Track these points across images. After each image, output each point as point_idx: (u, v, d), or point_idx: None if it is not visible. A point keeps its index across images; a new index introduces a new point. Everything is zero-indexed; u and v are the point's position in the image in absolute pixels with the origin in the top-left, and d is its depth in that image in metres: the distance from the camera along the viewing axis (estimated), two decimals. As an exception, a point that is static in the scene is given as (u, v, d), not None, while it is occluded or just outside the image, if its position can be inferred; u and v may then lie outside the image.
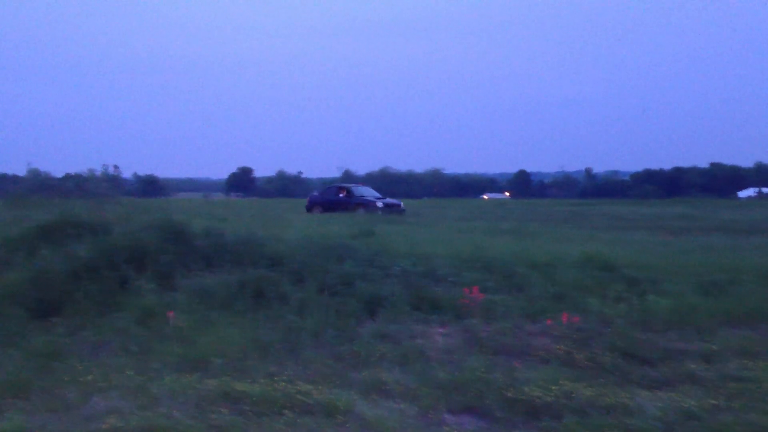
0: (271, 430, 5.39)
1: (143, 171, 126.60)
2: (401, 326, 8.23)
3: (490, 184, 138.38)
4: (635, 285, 10.32)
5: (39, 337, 7.49)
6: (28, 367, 6.73)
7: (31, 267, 9.06)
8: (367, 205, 29.77)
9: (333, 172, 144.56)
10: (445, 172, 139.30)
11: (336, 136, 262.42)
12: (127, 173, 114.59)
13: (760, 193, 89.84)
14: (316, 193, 35.62)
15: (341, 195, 31.81)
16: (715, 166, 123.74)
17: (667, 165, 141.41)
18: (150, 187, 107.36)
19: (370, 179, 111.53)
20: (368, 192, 33.47)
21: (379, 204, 30.37)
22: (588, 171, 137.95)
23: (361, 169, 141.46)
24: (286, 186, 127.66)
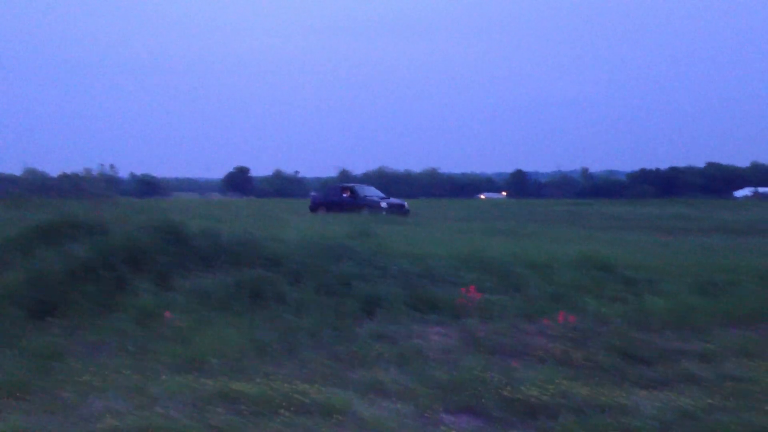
0: (268, 430, 5.40)
1: (140, 171, 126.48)
2: (399, 326, 8.24)
3: (486, 183, 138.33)
4: (632, 285, 10.34)
5: (36, 338, 7.48)
6: (26, 367, 6.72)
7: (29, 267, 9.05)
8: (371, 205, 29.66)
9: (330, 172, 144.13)
10: (442, 171, 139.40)
11: (333, 135, 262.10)
12: (123, 173, 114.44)
13: (756, 192, 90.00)
14: (319, 193, 35.45)
15: (345, 195, 31.63)
16: (712, 166, 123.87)
17: (663, 165, 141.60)
18: (146, 186, 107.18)
19: (367, 179, 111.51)
20: (372, 192, 33.31)
21: (384, 204, 30.24)
22: (584, 171, 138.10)
23: (358, 168, 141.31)
24: (282, 186, 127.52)
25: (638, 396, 6.34)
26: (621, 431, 5.53)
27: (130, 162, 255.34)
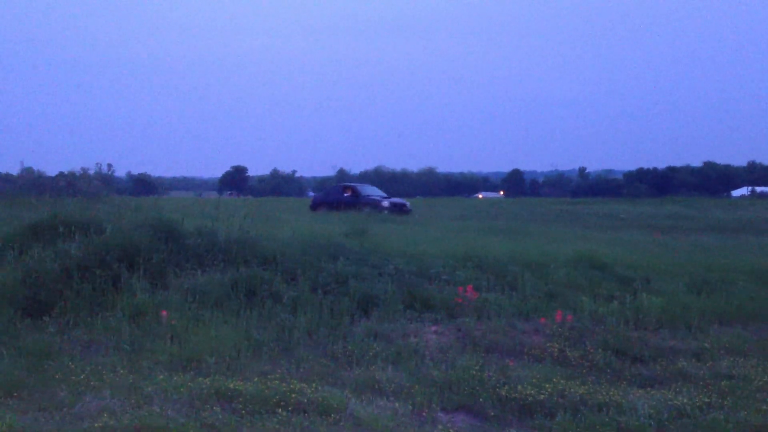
0: (264, 428, 5.39)
1: (137, 170, 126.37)
2: (394, 325, 8.24)
3: (483, 183, 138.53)
4: (627, 284, 10.37)
5: (30, 336, 7.45)
6: (20, 366, 6.70)
7: (23, 266, 9.00)
8: (373, 204, 29.58)
9: (327, 171, 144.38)
10: (439, 171, 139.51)
11: (330, 134, 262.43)
12: (120, 172, 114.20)
13: (753, 192, 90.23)
14: (321, 193, 35.35)
15: (347, 194, 31.49)
16: (709, 166, 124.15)
17: (660, 164, 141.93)
18: (142, 185, 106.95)
19: (364, 178, 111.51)
20: (374, 191, 33.22)
21: (386, 203, 30.14)
22: (582, 170, 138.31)
23: (355, 168, 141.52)
24: (279, 185, 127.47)
25: (634, 394, 6.35)
26: (617, 430, 5.54)
27: (128, 161, 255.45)
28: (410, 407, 5.97)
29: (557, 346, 7.70)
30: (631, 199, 60.27)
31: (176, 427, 5.27)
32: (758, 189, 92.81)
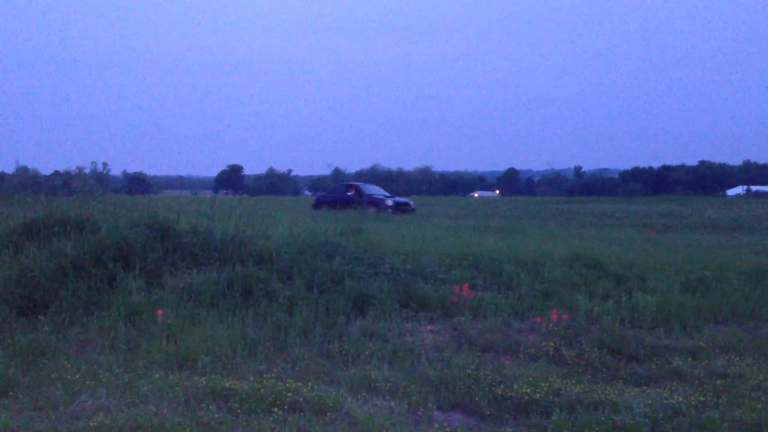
0: (260, 427, 5.38)
1: (132, 169, 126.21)
2: (390, 324, 8.24)
3: (479, 182, 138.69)
4: (622, 282, 10.39)
5: (25, 335, 7.42)
6: (14, 364, 6.68)
7: (18, 265, 8.98)
8: (377, 203, 29.50)
9: (323, 170, 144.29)
10: (435, 170, 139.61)
11: (326, 133, 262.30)
12: (116, 171, 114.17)
13: (748, 191, 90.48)
14: (324, 192, 35.18)
15: (350, 193, 31.36)
16: (704, 165, 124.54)
17: (656, 163, 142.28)
18: (138, 184, 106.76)
19: (359, 177, 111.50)
20: (377, 190, 33.13)
21: (389, 202, 30.07)
22: (577, 169, 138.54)
23: (351, 167, 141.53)
24: (275, 184, 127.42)
25: (630, 393, 6.36)
26: (613, 428, 5.55)
27: (124, 160, 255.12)
28: (406, 406, 5.97)
29: (553, 344, 7.71)
30: (627, 198, 60.47)
31: (172, 426, 5.26)
32: (753, 188, 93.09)
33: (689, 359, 7.51)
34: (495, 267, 10.64)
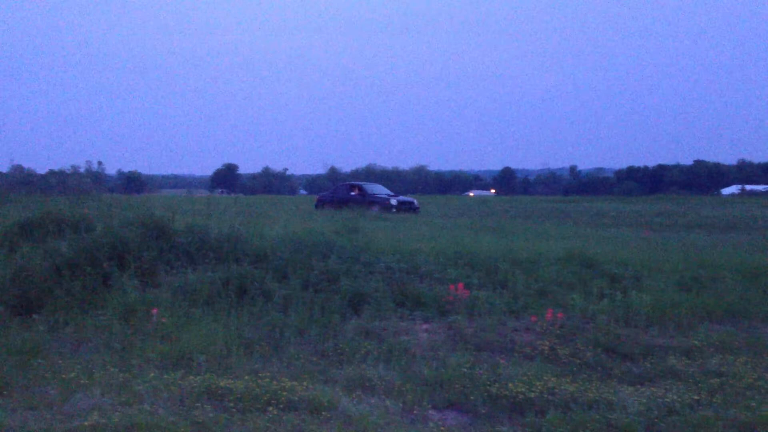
0: (255, 426, 5.38)
1: (127, 168, 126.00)
2: (385, 323, 8.24)
3: (475, 181, 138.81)
4: (617, 281, 10.40)
5: (20, 334, 7.40)
6: (9, 364, 6.65)
7: (13, 263, 8.95)
8: (381, 202, 29.34)
9: (319, 169, 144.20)
10: (431, 169, 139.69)
11: (322, 133, 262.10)
12: (111, 170, 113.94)
13: (743, 190, 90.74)
14: (327, 192, 34.92)
15: (353, 193, 31.08)
16: (699, 164, 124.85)
17: (651, 162, 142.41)
18: (133, 183, 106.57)
19: (355, 176, 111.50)
20: (381, 190, 32.87)
21: (393, 201, 29.87)
22: (572, 168, 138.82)
23: (346, 166, 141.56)
24: (270, 183, 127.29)
25: (624, 392, 6.37)
26: (607, 427, 5.56)
27: (119, 159, 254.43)
28: (401, 405, 5.98)
29: (548, 343, 7.72)
30: (622, 197, 60.64)
31: (167, 425, 5.25)
32: (748, 187, 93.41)
33: (684, 358, 7.53)
34: (490, 266, 10.65)
